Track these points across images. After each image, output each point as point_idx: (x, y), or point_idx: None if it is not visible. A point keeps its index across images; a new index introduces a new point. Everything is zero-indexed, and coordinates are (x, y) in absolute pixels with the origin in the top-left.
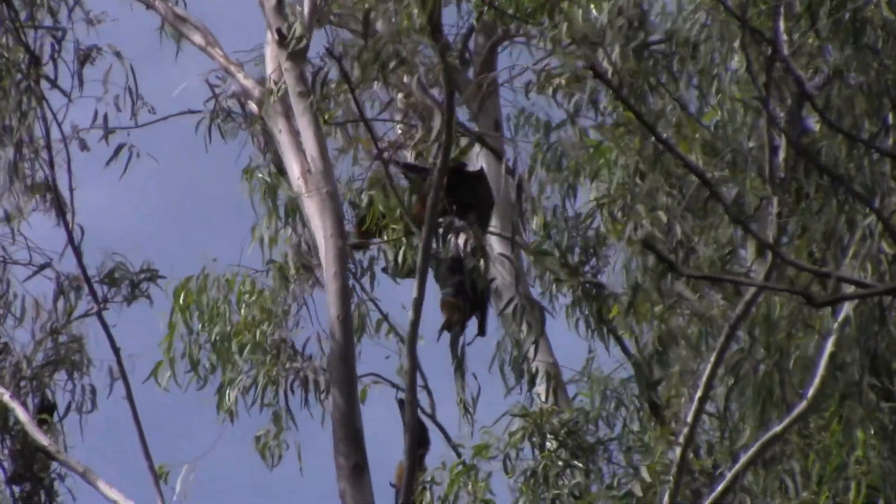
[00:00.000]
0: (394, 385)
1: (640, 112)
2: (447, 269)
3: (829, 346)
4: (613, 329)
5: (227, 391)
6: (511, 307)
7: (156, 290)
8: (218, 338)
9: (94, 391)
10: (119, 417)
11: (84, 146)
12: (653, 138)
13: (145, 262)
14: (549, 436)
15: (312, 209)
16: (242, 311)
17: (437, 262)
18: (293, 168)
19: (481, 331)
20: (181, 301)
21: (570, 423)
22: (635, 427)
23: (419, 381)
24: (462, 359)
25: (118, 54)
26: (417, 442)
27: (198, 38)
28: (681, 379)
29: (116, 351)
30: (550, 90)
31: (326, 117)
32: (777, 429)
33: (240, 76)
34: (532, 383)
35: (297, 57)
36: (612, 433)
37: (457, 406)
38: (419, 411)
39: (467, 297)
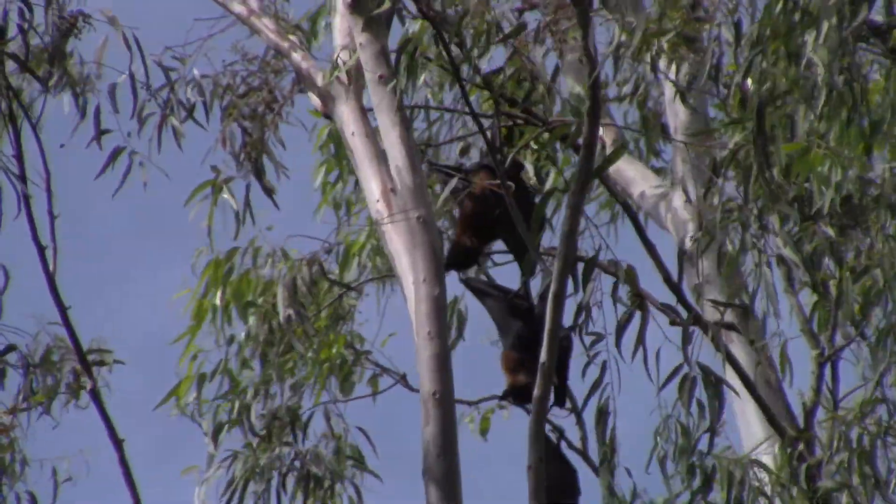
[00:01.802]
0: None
1: None
2: (506, 309)
3: None
4: None
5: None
6: (678, 379)
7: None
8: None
9: (34, 501)
10: None
11: None
12: None
13: (94, 340)
14: None
15: (398, 243)
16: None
17: (483, 293)
18: (371, 186)
19: (558, 400)
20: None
21: None
22: None
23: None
24: (612, 448)
25: (113, 21)
26: (565, 492)
27: (237, 6)
28: None
29: (119, 443)
30: (649, 56)
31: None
32: None
33: (296, 56)
34: (706, 488)
35: (377, 26)
36: None
37: None
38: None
39: (534, 353)
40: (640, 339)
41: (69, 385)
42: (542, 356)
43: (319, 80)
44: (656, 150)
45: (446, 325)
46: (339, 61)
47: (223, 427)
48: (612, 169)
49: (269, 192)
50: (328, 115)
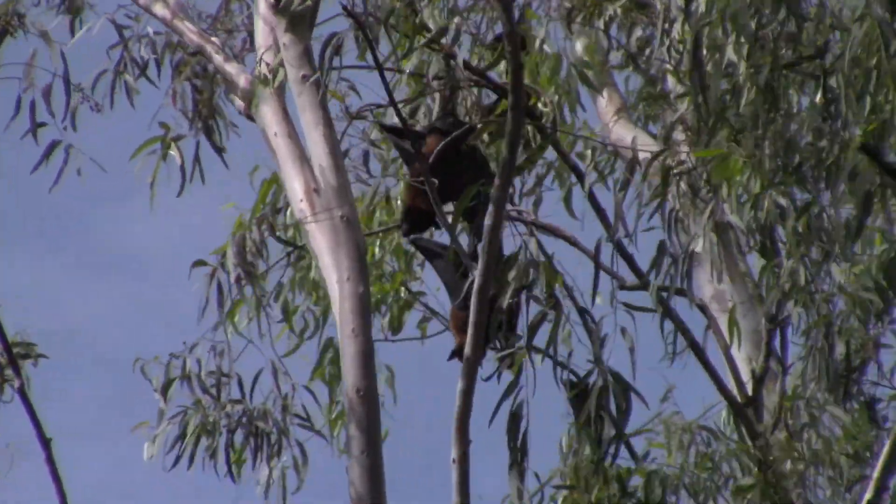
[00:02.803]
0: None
1: None
2: (455, 268)
3: None
4: None
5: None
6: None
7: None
8: None
9: None
10: None
11: None
12: None
13: (18, 332)
14: None
15: (321, 242)
16: None
17: (432, 253)
18: (294, 186)
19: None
20: None
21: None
22: None
23: None
24: (523, 450)
25: (45, 35)
26: None
27: (160, 9)
28: None
29: (46, 442)
30: (602, 22)
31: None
32: None
33: (219, 59)
34: (623, 493)
35: (301, 26)
36: None
37: None
38: None
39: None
40: (552, 341)
41: None
42: (467, 350)
43: (242, 83)
44: (654, 114)
45: (370, 322)
46: (265, 67)
47: (172, 382)
48: (612, 135)
49: (218, 150)
50: (251, 117)
